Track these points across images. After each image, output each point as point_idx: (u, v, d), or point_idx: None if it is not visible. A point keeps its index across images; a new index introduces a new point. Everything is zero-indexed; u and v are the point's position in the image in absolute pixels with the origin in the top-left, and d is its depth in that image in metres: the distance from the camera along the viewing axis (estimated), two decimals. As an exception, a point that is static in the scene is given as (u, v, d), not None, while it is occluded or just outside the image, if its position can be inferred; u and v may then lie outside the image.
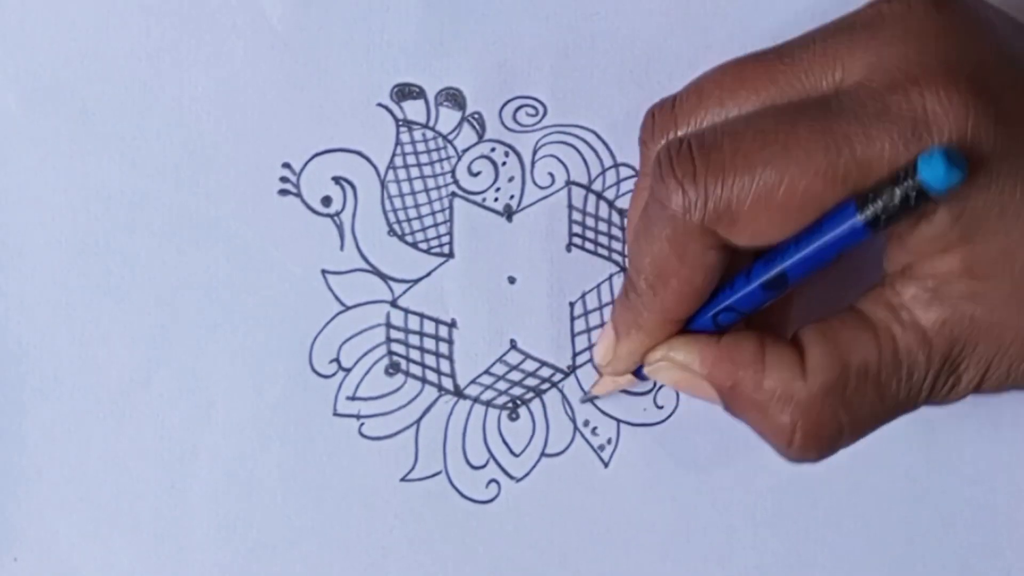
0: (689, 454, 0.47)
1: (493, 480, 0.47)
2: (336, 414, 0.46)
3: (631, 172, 0.47)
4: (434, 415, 0.47)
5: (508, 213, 0.47)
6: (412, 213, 0.47)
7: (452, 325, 0.47)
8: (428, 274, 0.47)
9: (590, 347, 0.47)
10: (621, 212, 0.47)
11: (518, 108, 0.47)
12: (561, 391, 0.47)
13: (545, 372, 0.47)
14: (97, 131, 0.46)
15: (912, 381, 0.40)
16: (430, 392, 0.47)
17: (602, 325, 0.47)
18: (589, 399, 0.47)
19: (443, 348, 0.47)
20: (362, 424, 0.46)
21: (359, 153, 0.46)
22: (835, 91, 0.39)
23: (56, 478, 0.46)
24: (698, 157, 0.39)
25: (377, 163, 0.47)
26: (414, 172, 0.47)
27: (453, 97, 0.47)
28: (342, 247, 0.46)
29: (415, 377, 0.47)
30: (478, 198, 0.47)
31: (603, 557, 0.47)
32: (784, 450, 0.41)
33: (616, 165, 0.47)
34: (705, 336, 0.42)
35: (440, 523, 0.47)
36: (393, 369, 0.47)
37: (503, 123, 0.47)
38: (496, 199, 0.47)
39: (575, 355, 0.47)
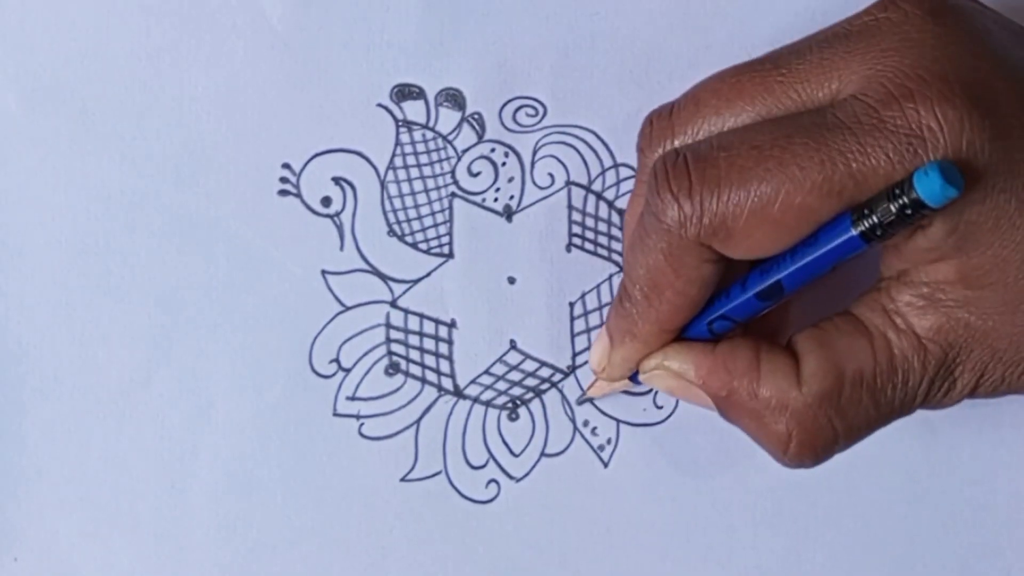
0: (689, 454, 0.47)
1: (493, 480, 0.47)
2: (336, 414, 0.46)
3: (631, 172, 0.47)
4: (434, 415, 0.47)
5: (508, 213, 0.47)
6: (412, 213, 0.47)
7: (452, 325, 0.47)
8: (428, 274, 0.47)
9: (590, 347, 0.47)
10: (621, 212, 0.47)
11: (518, 108, 0.47)
12: (561, 391, 0.47)
13: (545, 372, 0.47)
14: (97, 131, 0.46)
15: (907, 387, 0.40)
16: (430, 392, 0.47)
17: (602, 325, 0.47)
18: (585, 401, 0.47)
19: (443, 348, 0.47)
20: (362, 424, 0.46)
21: (359, 153, 0.46)
22: (831, 103, 0.39)
23: (56, 478, 0.46)
24: (694, 171, 0.39)
25: (377, 163, 0.47)
26: (414, 172, 0.47)
27: (453, 97, 0.47)
28: (342, 247, 0.46)
29: (415, 377, 0.47)
30: (478, 198, 0.47)
31: (603, 557, 0.47)
32: (780, 457, 0.41)
33: (616, 165, 0.47)
34: (700, 344, 0.42)
35: (440, 523, 0.47)
36: (393, 369, 0.47)
37: (503, 123, 0.47)
38: (496, 199, 0.47)
39: (575, 355, 0.47)
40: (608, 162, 0.47)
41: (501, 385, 0.47)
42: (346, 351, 0.46)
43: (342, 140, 0.46)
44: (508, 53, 0.47)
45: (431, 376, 0.47)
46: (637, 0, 0.47)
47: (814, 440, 0.40)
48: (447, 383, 0.47)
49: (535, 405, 0.47)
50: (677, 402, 0.47)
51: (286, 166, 0.46)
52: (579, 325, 0.47)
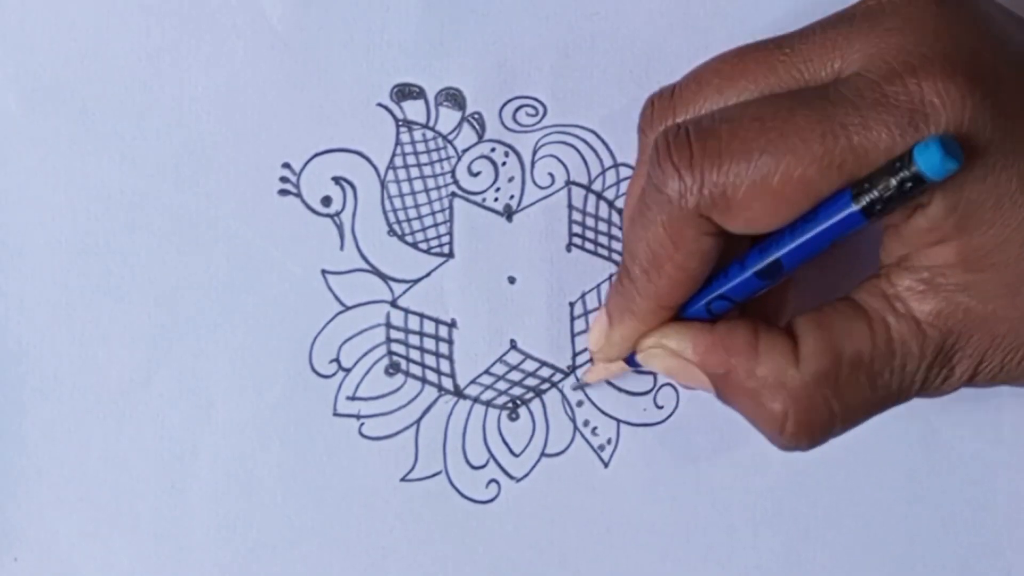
0: (689, 454, 0.47)
1: (493, 480, 0.47)
2: (336, 414, 0.46)
3: (631, 172, 0.47)
4: (434, 415, 0.47)
5: (508, 213, 0.47)
6: (412, 213, 0.47)
7: (452, 325, 0.47)
8: (428, 274, 0.47)
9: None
10: (621, 212, 0.47)
11: (518, 108, 0.47)
12: (561, 391, 0.47)
13: (545, 372, 0.47)
14: (97, 131, 0.46)
15: (905, 371, 0.40)
16: (430, 392, 0.47)
17: (602, 322, 0.47)
18: (581, 386, 0.47)
19: (443, 348, 0.47)
20: (362, 424, 0.46)
21: (359, 153, 0.46)
22: (834, 80, 0.39)
23: (56, 478, 0.46)
24: (695, 143, 0.39)
25: (377, 163, 0.47)
26: (414, 172, 0.47)
27: (453, 97, 0.47)
28: (342, 247, 0.46)
29: (415, 377, 0.47)
30: (478, 198, 0.47)
31: (603, 557, 0.47)
32: (776, 437, 0.41)
33: (616, 165, 0.47)
34: (698, 323, 0.42)
35: (440, 523, 0.47)
36: (393, 369, 0.47)
37: (503, 123, 0.47)
38: (496, 199, 0.47)
39: (575, 355, 0.47)
40: (608, 162, 0.47)
41: (501, 385, 0.47)
42: (346, 351, 0.46)
43: (342, 140, 0.46)
44: (508, 53, 0.47)
45: (431, 376, 0.47)
46: (637, 0, 0.47)
47: (810, 420, 0.40)
48: (447, 383, 0.47)
49: (535, 405, 0.47)
50: (677, 403, 0.47)
51: (286, 166, 0.46)
52: (579, 325, 0.47)
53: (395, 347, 0.47)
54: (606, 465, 0.47)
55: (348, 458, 0.46)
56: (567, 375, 0.47)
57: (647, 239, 0.40)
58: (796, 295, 0.44)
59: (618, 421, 0.47)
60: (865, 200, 0.37)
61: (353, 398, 0.46)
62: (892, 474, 0.47)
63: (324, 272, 0.46)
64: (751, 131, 0.38)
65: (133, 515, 0.46)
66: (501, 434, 0.47)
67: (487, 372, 0.47)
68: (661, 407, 0.47)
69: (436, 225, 0.47)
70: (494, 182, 0.47)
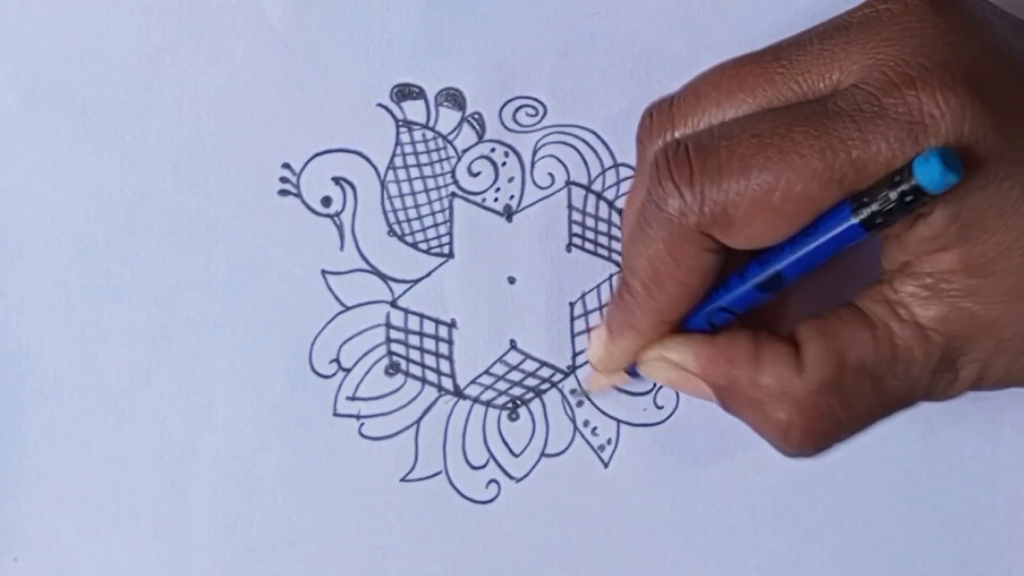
0: (689, 454, 0.47)
1: (493, 480, 0.47)
2: (336, 414, 0.46)
3: (631, 172, 0.47)
4: (434, 415, 0.47)
5: (508, 213, 0.47)
6: (412, 213, 0.47)
7: (452, 325, 0.47)
8: (428, 274, 0.47)
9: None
10: (621, 212, 0.47)
11: (518, 108, 0.47)
12: (561, 391, 0.47)
13: (545, 372, 0.47)
14: (97, 131, 0.46)
15: (910, 377, 0.40)
16: (430, 392, 0.47)
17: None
18: (582, 395, 0.47)
19: (443, 348, 0.47)
20: (362, 424, 0.46)
21: (359, 153, 0.46)
22: (832, 93, 0.39)
23: (56, 478, 0.46)
24: (694, 160, 0.39)
25: (377, 163, 0.47)
26: (414, 172, 0.47)
27: (453, 97, 0.47)
28: (342, 247, 0.46)
29: (415, 377, 0.47)
30: (478, 198, 0.47)
31: (603, 557, 0.47)
32: (781, 446, 0.41)
33: (616, 165, 0.47)
34: (700, 334, 0.42)
35: (440, 523, 0.47)
36: (393, 369, 0.47)
37: (503, 123, 0.47)
38: (496, 199, 0.47)
39: (575, 355, 0.47)
40: (608, 162, 0.47)
41: (501, 385, 0.47)
42: (346, 351, 0.46)
43: (342, 140, 0.46)
44: (508, 53, 0.47)
45: (431, 376, 0.47)
46: (637, 0, 0.47)
47: (815, 428, 0.40)
48: (447, 383, 0.47)
49: (535, 405, 0.47)
50: (677, 403, 0.47)
51: (286, 166, 0.46)
52: (579, 325, 0.47)
53: (395, 347, 0.47)
54: (606, 465, 0.47)
55: (348, 458, 0.46)
56: (567, 375, 0.47)
57: (647, 256, 0.40)
58: (798, 300, 0.44)
59: (618, 421, 0.47)
60: (865, 213, 0.37)
61: (353, 398, 0.46)
62: (892, 474, 0.47)
63: (324, 272, 0.46)
64: (750, 148, 0.38)
65: (133, 515, 0.46)
66: (501, 434, 0.47)
67: (487, 372, 0.47)
68: (661, 407, 0.47)
69: (436, 225, 0.47)
70: (494, 182, 0.47)
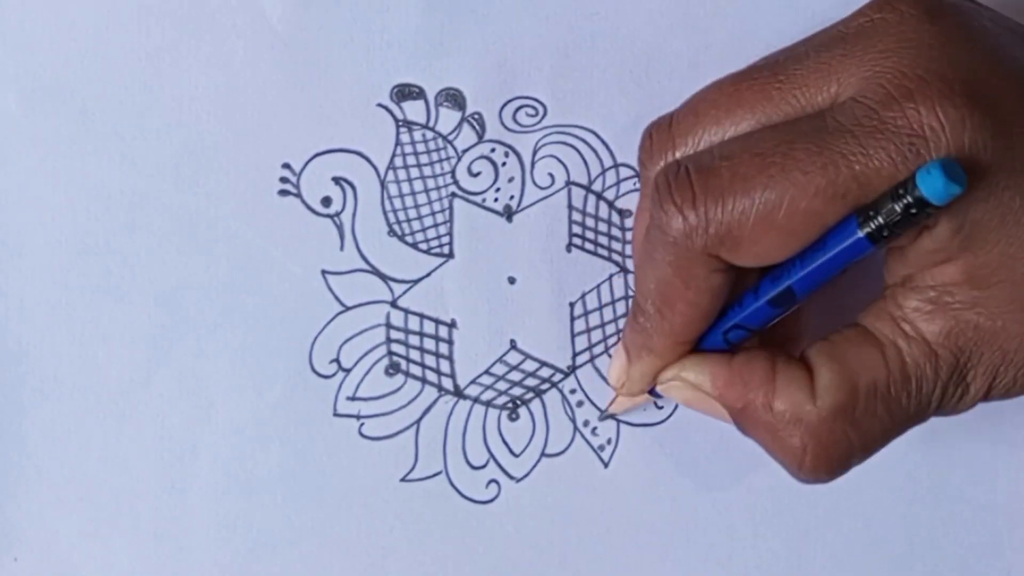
0: (689, 454, 0.47)
1: (493, 480, 0.47)
2: (336, 414, 0.46)
3: (631, 172, 0.47)
4: (434, 415, 0.47)
5: (508, 213, 0.47)
6: (412, 213, 0.47)
7: (452, 325, 0.47)
8: (428, 274, 0.47)
9: (590, 347, 0.47)
10: (621, 212, 0.47)
11: (518, 108, 0.47)
12: (561, 391, 0.47)
13: (545, 372, 0.47)
14: (97, 131, 0.46)
15: (921, 394, 0.40)
16: (430, 392, 0.47)
17: (602, 325, 0.47)
18: (607, 417, 0.47)
19: (443, 348, 0.47)
20: (362, 424, 0.46)
21: (359, 153, 0.46)
22: (830, 107, 0.39)
23: (56, 478, 0.46)
24: (696, 182, 0.39)
25: (377, 163, 0.46)
26: (414, 172, 0.47)
27: (453, 97, 0.47)
28: (342, 247, 0.46)
29: (415, 377, 0.47)
30: (478, 198, 0.47)
31: (603, 557, 0.47)
32: (795, 472, 0.41)
33: (616, 165, 0.47)
34: (717, 356, 0.42)
35: (440, 523, 0.47)
36: (393, 369, 0.47)
37: (503, 123, 0.47)
38: (496, 199, 0.47)
39: (575, 355, 0.47)
40: (608, 162, 0.47)
41: (501, 385, 0.47)
42: (346, 351, 0.46)
43: (342, 140, 0.46)
44: (508, 53, 0.47)
45: (431, 376, 0.47)
46: (637, 0, 0.47)
47: (829, 454, 0.40)
48: (447, 383, 0.47)
49: (535, 405, 0.47)
50: (677, 403, 0.47)
51: (286, 166, 0.46)
52: (579, 325, 0.47)
53: (395, 347, 0.47)
54: (606, 465, 0.47)
55: (348, 458, 0.46)
56: (567, 375, 0.47)
57: (657, 279, 0.40)
58: (809, 317, 0.44)
59: (618, 421, 0.47)
60: (871, 227, 0.37)
61: (353, 398, 0.46)
62: (892, 474, 0.47)
63: (324, 272, 0.46)
64: (752, 167, 0.38)
65: (133, 515, 0.46)
66: (501, 434, 0.47)
67: (487, 372, 0.47)
68: (661, 407, 0.47)
69: (436, 225, 0.47)
70: (494, 182, 0.47)
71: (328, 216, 0.46)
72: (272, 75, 0.46)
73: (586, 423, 0.47)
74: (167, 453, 0.46)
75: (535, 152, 0.47)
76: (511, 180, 0.47)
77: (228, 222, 0.46)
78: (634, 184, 0.46)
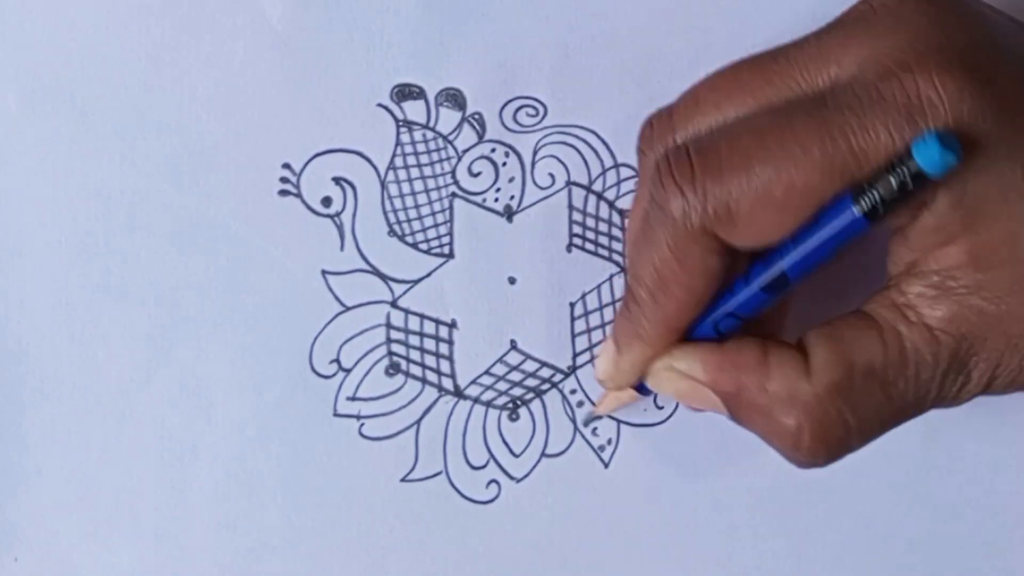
0: (689, 455, 0.47)
1: (493, 480, 0.47)
2: (336, 414, 0.46)
3: (631, 172, 0.47)
4: (434, 415, 0.47)
5: (508, 213, 0.47)
6: (412, 214, 0.47)
7: (452, 325, 0.47)
8: (428, 274, 0.47)
9: (590, 347, 0.47)
10: (621, 212, 0.47)
11: (518, 108, 0.47)
12: (561, 391, 0.47)
13: (545, 372, 0.47)
14: (97, 131, 0.46)
15: (920, 380, 0.39)
16: (430, 392, 0.47)
17: (602, 326, 0.47)
18: (593, 419, 0.47)
19: (443, 348, 0.47)
20: (362, 424, 0.46)
21: (359, 153, 0.46)
22: (831, 87, 0.39)
23: (56, 478, 0.46)
24: (696, 160, 0.39)
25: (377, 163, 0.47)
26: (414, 172, 0.47)
27: (453, 97, 0.47)
28: (342, 247, 0.46)
29: (415, 377, 0.47)
30: (478, 198, 0.47)
31: (603, 557, 0.47)
32: (792, 453, 0.40)
33: (616, 165, 0.47)
34: (707, 343, 0.41)
35: (440, 523, 0.47)
36: (393, 369, 0.47)
37: (503, 123, 0.47)
38: (496, 199, 0.47)
39: (575, 355, 0.47)
40: (608, 162, 0.47)
41: (501, 385, 0.47)
42: (346, 351, 0.46)
43: (342, 140, 0.46)
44: (508, 53, 0.47)
45: (431, 376, 0.47)
46: (637, 0, 0.47)
47: (826, 433, 0.39)
48: (447, 383, 0.47)
49: (535, 405, 0.47)
50: (677, 403, 0.47)
51: (286, 166, 0.46)
52: (579, 325, 0.47)
53: (395, 347, 0.47)
54: (606, 465, 0.47)
55: (348, 458, 0.46)
56: (567, 375, 0.47)
57: (653, 260, 0.40)
58: (807, 316, 0.44)
59: (618, 421, 0.47)
60: (867, 202, 0.37)
61: (353, 398, 0.46)
62: (892, 474, 0.47)
63: (324, 272, 0.46)
64: (750, 144, 0.38)
65: (133, 515, 0.46)
66: (501, 434, 0.47)
67: (487, 372, 0.47)
68: (661, 407, 0.47)
69: (436, 225, 0.47)
70: (494, 182, 0.47)
71: (328, 216, 0.46)
72: (272, 75, 0.46)
73: (586, 423, 0.47)
74: (167, 453, 0.46)
75: (535, 152, 0.47)
76: (511, 180, 0.47)
77: (228, 222, 0.46)
78: (635, 184, 0.46)
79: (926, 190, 0.37)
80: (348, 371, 0.46)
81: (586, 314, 0.47)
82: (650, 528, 0.47)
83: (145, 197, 0.46)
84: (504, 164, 0.47)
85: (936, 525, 0.47)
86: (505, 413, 0.47)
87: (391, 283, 0.47)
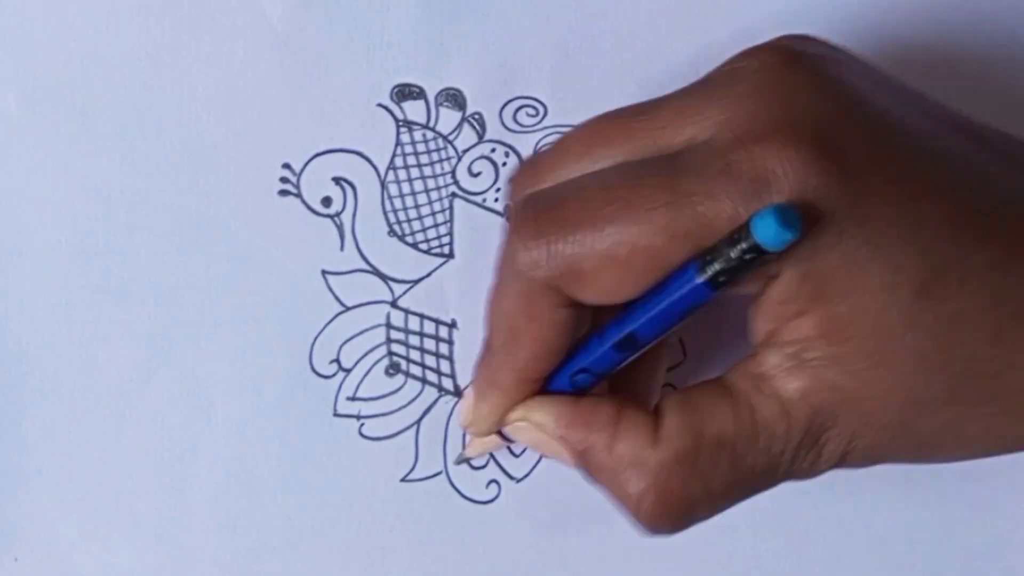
0: (689, 454, 0.47)
1: (493, 480, 0.47)
2: (336, 414, 0.46)
3: (631, 172, 0.47)
4: (434, 415, 0.47)
5: (508, 213, 0.47)
6: (412, 214, 0.47)
7: (452, 325, 0.47)
8: (428, 274, 0.47)
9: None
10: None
11: (518, 108, 0.47)
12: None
13: (545, 372, 0.47)
14: (97, 131, 0.46)
15: (771, 454, 0.38)
16: (430, 392, 0.47)
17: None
18: (463, 461, 0.46)
19: (443, 348, 0.47)
20: (362, 424, 0.46)
21: (359, 153, 0.46)
22: (686, 148, 0.38)
23: (56, 478, 0.46)
24: (543, 214, 0.38)
25: (377, 163, 0.47)
26: (414, 172, 0.47)
27: (453, 97, 0.47)
28: (342, 247, 0.46)
29: (415, 377, 0.47)
30: (478, 198, 0.47)
31: (603, 557, 0.47)
32: (635, 518, 0.39)
33: (616, 165, 0.47)
34: (565, 397, 0.41)
35: (440, 523, 0.47)
36: (393, 370, 0.47)
37: (503, 123, 0.47)
38: (496, 199, 0.47)
39: (575, 355, 0.47)
40: (608, 162, 0.47)
41: (501, 385, 0.47)
42: (346, 351, 0.46)
43: (342, 140, 0.46)
44: (508, 53, 0.47)
45: (431, 376, 0.47)
46: (637, 0, 0.47)
47: (669, 500, 0.39)
48: (447, 383, 0.47)
49: (535, 405, 0.47)
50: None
51: (286, 166, 0.46)
52: (579, 325, 0.47)
53: (395, 347, 0.47)
54: (606, 465, 0.47)
55: (348, 458, 0.46)
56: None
57: (503, 311, 0.40)
58: (689, 376, 0.43)
59: (618, 421, 0.47)
60: (710, 272, 0.36)
61: (353, 398, 0.46)
62: (892, 474, 0.47)
63: (324, 272, 0.46)
64: (598, 200, 0.37)
65: (133, 515, 0.46)
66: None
67: (487, 372, 0.47)
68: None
69: (436, 225, 0.47)
70: (494, 182, 0.47)
71: (328, 216, 0.46)
72: (272, 75, 0.46)
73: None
74: (167, 453, 0.46)
75: (535, 152, 0.47)
76: (511, 180, 0.47)
77: (228, 222, 0.46)
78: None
79: (769, 263, 0.36)
80: (348, 371, 0.46)
81: (586, 314, 0.47)
82: (650, 528, 0.47)
83: (145, 197, 0.46)
84: (504, 164, 0.47)
85: (936, 525, 0.47)
86: (505, 413, 0.47)
87: (391, 283, 0.47)
